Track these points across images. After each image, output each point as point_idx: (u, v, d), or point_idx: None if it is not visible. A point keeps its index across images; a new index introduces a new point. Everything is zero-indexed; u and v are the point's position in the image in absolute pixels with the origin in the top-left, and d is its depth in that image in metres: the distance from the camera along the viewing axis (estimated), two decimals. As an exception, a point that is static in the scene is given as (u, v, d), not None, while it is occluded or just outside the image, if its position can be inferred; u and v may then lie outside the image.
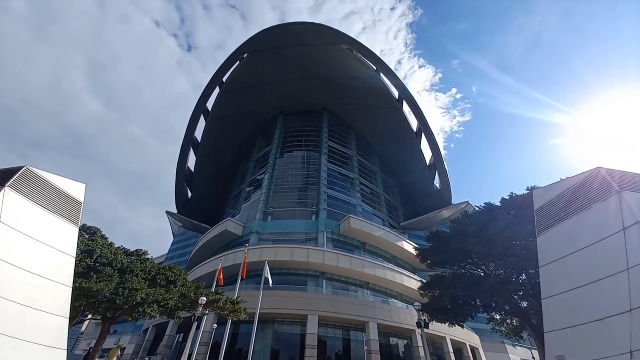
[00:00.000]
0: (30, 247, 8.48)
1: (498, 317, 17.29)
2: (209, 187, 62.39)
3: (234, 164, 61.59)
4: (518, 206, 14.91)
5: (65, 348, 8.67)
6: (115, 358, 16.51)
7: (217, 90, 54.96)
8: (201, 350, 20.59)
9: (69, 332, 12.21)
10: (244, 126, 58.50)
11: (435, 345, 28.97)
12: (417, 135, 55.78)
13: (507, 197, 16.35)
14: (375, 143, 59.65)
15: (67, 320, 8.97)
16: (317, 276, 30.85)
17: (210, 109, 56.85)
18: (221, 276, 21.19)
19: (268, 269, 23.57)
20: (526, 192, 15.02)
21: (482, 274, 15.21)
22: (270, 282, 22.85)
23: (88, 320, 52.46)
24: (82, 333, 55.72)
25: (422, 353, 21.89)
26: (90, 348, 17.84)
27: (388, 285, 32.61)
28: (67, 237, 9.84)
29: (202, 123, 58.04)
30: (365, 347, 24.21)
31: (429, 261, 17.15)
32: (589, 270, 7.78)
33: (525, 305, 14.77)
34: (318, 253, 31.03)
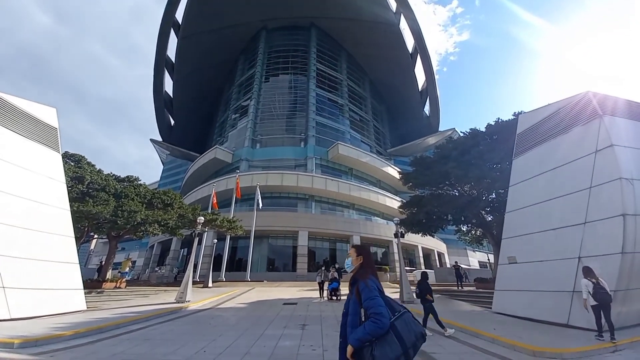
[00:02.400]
0: (17, 174, 8.45)
1: (465, 228, 19.85)
2: (191, 113, 59.21)
3: (216, 88, 57.25)
4: (501, 132, 15.27)
5: (77, 262, 9.59)
6: (127, 269, 18.53)
7: (185, -4, 46.62)
8: (205, 261, 23.30)
9: (78, 250, 13.32)
10: (223, 44, 52.08)
11: (408, 252, 33.71)
12: (412, 57, 51.86)
13: (493, 123, 16.59)
14: (367, 65, 55.44)
15: (73, 239, 9.68)
16: (307, 199, 32.92)
17: (181, 23, 49.34)
18: (215, 200, 22.32)
19: (259, 193, 24.86)
20: (513, 117, 15.20)
21: (456, 194, 16.64)
22: (261, 204, 24.39)
23: (95, 240, 56.40)
24: (92, 251, 60.61)
25: (397, 258, 25.55)
26: (101, 262, 19.81)
27: (372, 206, 35.52)
28: (51, 163, 9.77)
29: (174, 40, 51.14)
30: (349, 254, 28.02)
31: (410, 184, 18.33)
32: (554, 188, 8.49)
33: (490, 219, 16.77)
34: (307, 178, 32.37)
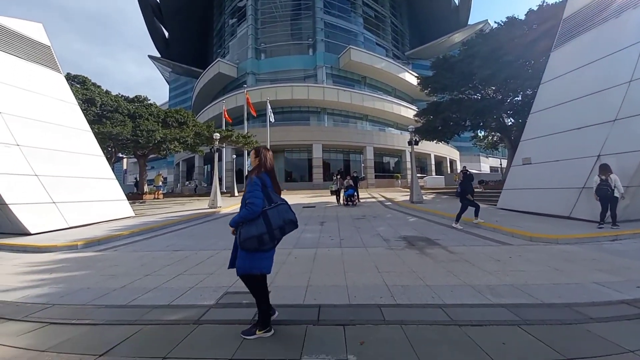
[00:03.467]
0: (28, 99, 8.45)
1: (482, 134, 19.42)
2: (185, 21, 52.51)
3: (205, -15, 48.79)
4: (545, 19, 12.91)
5: (114, 178, 10.56)
6: (161, 182, 20.41)
7: None
8: (228, 175, 25.11)
9: (113, 169, 14.47)
10: None
11: (421, 160, 34.37)
12: None
13: (536, 8, 13.92)
14: None
15: (104, 157, 10.38)
16: (319, 112, 32.07)
17: None
18: (227, 116, 22.21)
19: (270, 108, 24.26)
20: (561, 0, 12.56)
21: (479, 98, 15.55)
22: (273, 119, 24.14)
23: (126, 160, 60.48)
24: (125, 170, 65.99)
25: (409, 166, 26.35)
26: (137, 179, 21.81)
27: (386, 117, 34.41)
28: (57, 85, 9.61)
29: None
30: (362, 165, 29.16)
31: (429, 89, 17.07)
32: (588, 84, 7.74)
33: (511, 122, 16.08)
34: (318, 90, 30.70)
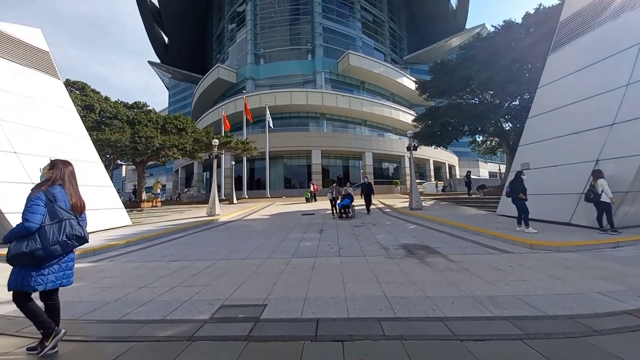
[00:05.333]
0: (27, 105, 8.44)
1: (480, 139, 19.47)
2: (184, 26, 52.96)
3: (204, -9, 49.33)
4: (541, 23, 13.02)
5: (112, 185, 10.49)
6: (159, 190, 20.34)
7: None
8: (227, 182, 25.01)
9: (112, 176, 14.42)
10: None
11: (420, 165, 34.38)
12: None
13: (533, 11, 14.05)
14: (383, -58, 44.51)
15: (102, 165, 10.32)
16: (318, 117, 32.15)
17: None
18: (227, 122, 22.25)
19: (269, 113, 24.34)
20: (558, 2, 12.68)
21: (476, 102, 15.62)
22: (272, 124, 24.21)
23: (125, 167, 60.40)
24: (124, 178, 65.85)
25: (408, 172, 26.34)
26: (135, 186, 21.74)
27: (384, 122, 34.52)
28: (56, 91, 9.61)
29: None
30: (362, 171, 29.11)
31: (427, 94, 17.14)
32: (585, 88, 7.75)
33: (509, 127, 16.13)
34: (317, 95, 30.83)
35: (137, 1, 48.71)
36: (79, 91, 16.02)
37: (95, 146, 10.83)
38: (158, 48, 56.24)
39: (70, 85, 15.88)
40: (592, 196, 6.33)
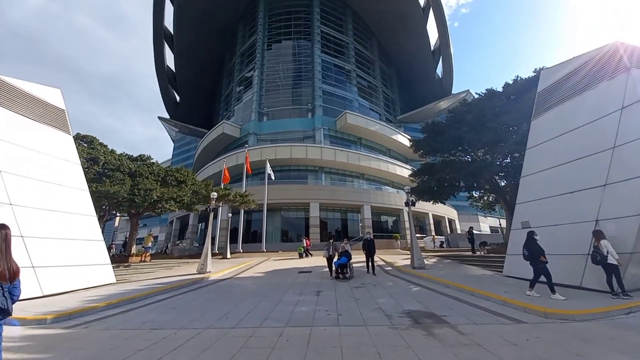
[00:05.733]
0: (34, 158, 8.68)
1: (477, 194, 19.66)
2: (196, 88, 58.13)
3: (218, 59, 55.40)
4: (520, 91, 14.33)
5: (102, 239, 10.11)
6: (150, 243, 19.62)
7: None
8: (222, 234, 24.33)
9: (104, 227, 14.04)
10: (221, 10, 49.24)
11: (419, 219, 34.04)
12: (424, 10, 47.85)
13: (511, 82, 15.54)
14: (374, 24, 51.73)
15: (95, 218, 10.14)
16: (317, 171, 32.98)
17: (175, -12, 46.57)
18: (227, 174, 22.67)
19: (269, 166, 25.02)
20: (533, 74, 14.16)
21: (469, 160, 16.21)
22: (273, 177, 24.67)
23: (119, 217, 59.34)
24: (116, 228, 64.20)
25: (407, 226, 25.94)
26: (126, 238, 21.03)
27: (382, 175, 35.34)
28: (64, 146, 9.96)
29: (169, 10, 48.64)
30: (360, 224, 28.63)
31: (421, 151, 17.89)
32: (574, 150, 8.06)
33: (504, 184, 16.44)
34: (316, 150, 32.14)
35: (156, 66, 54.15)
36: (87, 144, 16.64)
37: (93, 198, 10.79)
38: (169, 105, 60.68)
39: (80, 139, 16.57)
40: (598, 258, 6.21)
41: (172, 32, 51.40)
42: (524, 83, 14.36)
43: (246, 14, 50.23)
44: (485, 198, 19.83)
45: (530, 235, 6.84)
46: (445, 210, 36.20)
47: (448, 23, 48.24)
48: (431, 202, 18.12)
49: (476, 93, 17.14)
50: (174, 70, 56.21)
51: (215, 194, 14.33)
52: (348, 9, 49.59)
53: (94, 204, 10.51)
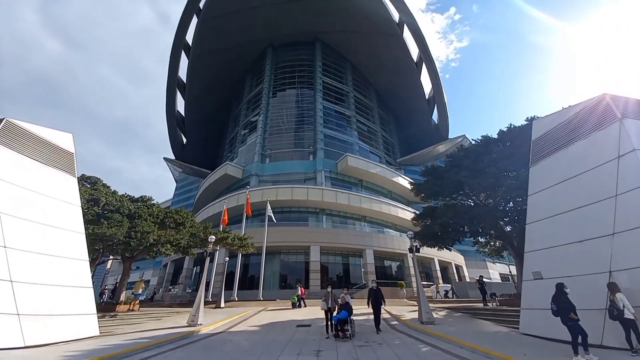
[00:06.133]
0: (34, 201, 8.66)
1: (483, 240, 19.02)
2: (203, 131, 60.88)
3: (225, 105, 58.93)
4: (515, 138, 14.78)
5: (91, 286, 9.62)
6: (141, 290, 18.58)
7: (195, 20, 48.95)
8: (217, 279, 23.14)
9: (95, 271, 13.41)
10: (232, 62, 53.96)
11: (425, 265, 32.61)
12: (418, 65, 52.07)
13: (505, 129, 16.11)
14: (372, 76, 56.02)
15: (87, 262, 9.74)
16: (317, 212, 32.65)
17: (190, 44, 51.56)
18: (226, 217, 22.39)
19: (270, 208, 24.82)
20: (525, 123, 14.75)
21: (472, 204, 16.04)
22: (274, 219, 24.31)
23: (111, 260, 57.37)
24: (108, 271, 61.63)
25: (412, 272, 24.73)
26: (116, 282, 19.98)
27: (384, 218, 34.85)
28: (67, 188, 10.02)
29: (184, 61, 53.29)
30: (363, 270, 27.31)
31: (422, 194, 17.82)
32: (576, 197, 7.99)
33: (509, 229, 16.03)
34: (317, 192, 32.22)
35: (167, 112, 57.42)
36: (90, 185, 16.74)
37: (88, 240, 10.49)
38: (176, 147, 62.92)
39: (84, 180, 16.73)
40: (615, 313, 5.84)
41: (185, 81, 55.53)
42: (518, 130, 14.87)
43: (254, 67, 54.76)
44: (492, 244, 19.14)
45: (560, 288, 6.23)
46: (452, 256, 34.80)
47: (440, 74, 52.13)
48: (436, 248, 17.50)
49: (472, 139, 17.71)
50: (183, 114, 59.48)
51: (214, 237, 13.95)
52: (347, 62, 54.10)
53: (88, 246, 10.20)
